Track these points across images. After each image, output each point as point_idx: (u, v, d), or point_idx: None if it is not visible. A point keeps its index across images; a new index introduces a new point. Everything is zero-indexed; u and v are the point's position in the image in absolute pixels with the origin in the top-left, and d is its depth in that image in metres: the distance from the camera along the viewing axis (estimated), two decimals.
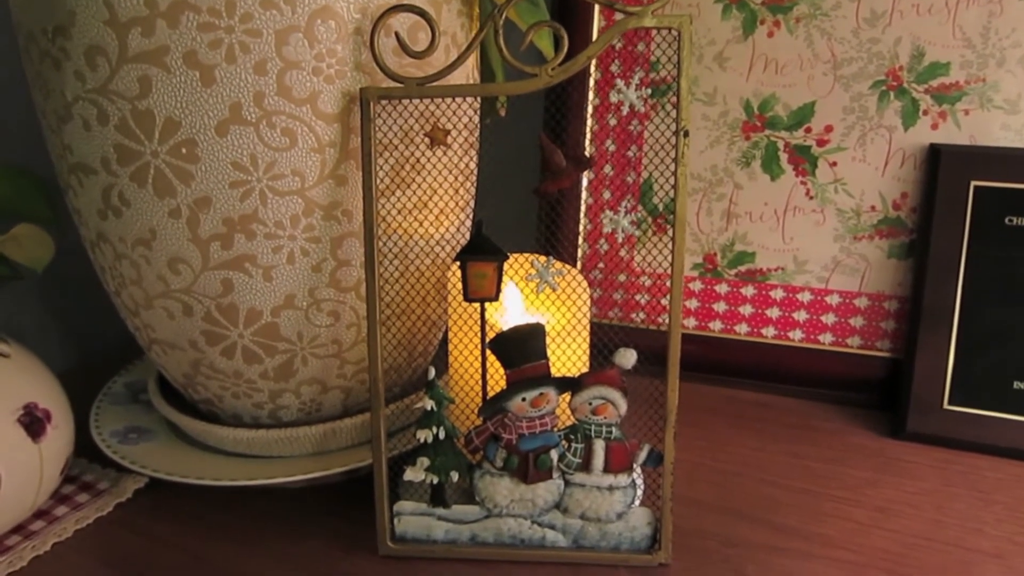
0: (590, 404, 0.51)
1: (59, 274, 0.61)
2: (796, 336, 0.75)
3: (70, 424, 0.62)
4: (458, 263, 0.51)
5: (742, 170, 0.76)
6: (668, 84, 0.77)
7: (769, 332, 0.76)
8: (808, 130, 0.74)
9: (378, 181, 0.52)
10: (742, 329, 0.78)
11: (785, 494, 0.61)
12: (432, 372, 0.52)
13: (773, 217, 0.75)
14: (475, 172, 0.63)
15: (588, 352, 0.54)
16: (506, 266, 0.51)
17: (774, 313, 0.76)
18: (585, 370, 0.53)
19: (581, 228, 0.79)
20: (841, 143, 0.73)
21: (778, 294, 0.76)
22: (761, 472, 0.64)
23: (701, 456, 0.66)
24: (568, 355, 0.52)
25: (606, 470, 0.52)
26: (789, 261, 0.75)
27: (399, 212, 0.54)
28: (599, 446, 0.51)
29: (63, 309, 0.87)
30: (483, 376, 0.52)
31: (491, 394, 0.52)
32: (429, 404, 0.52)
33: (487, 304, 0.51)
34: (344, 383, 0.60)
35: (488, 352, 0.51)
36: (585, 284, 0.54)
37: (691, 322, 0.79)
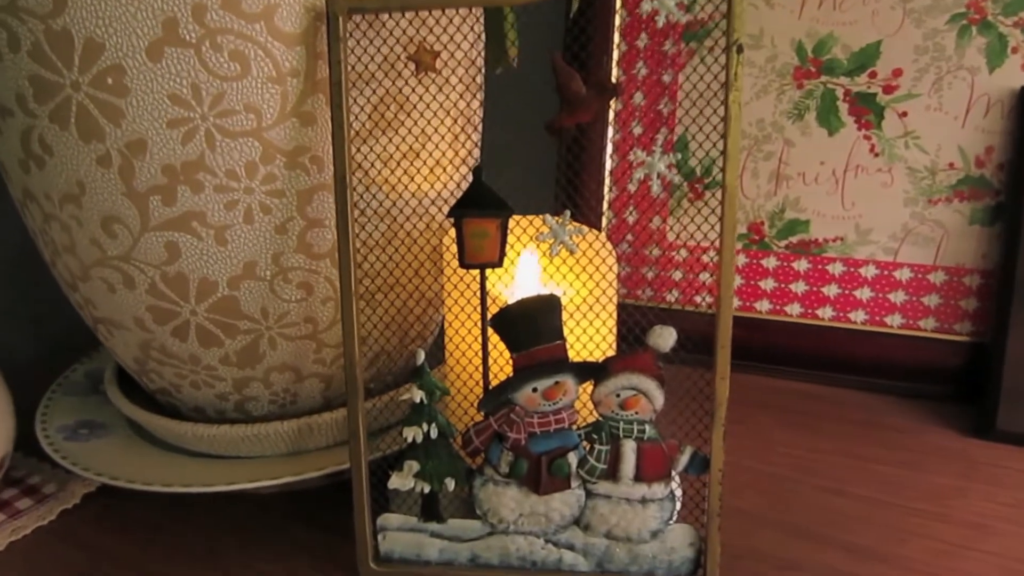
0: (618, 396, 0.41)
1: (28, 251, 0.52)
2: (858, 318, 0.64)
3: (7, 419, 0.53)
4: (452, 220, 0.41)
5: (794, 124, 0.65)
6: (704, 26, 0.66)
7: (826, 313, 0.65)
8: (873, 75, 0.63)
9: (353, 120, 0.42)
10: (794, 310, 0.67)
11: (853, 506, 0.50)
12: (421, 356, 0.42)
13: (831, 179, 0.65)
14: (478, 119, 0.52)
15: (615, 332, 0.44)
16: (514, 226, 0.41)
17: (832, 291, 0.66)
18: (612, 354, 0.42)
19: (607, 182, 0.68)
20: (912, 89, 0.62)
21: (837, 269, 0.65)
22: (821, 478, 0.53)
23: (750, 458, 0.56)
24: (590, 335, 0.42)
25: (638, 478, 0.42)
26: (850, 230, 0.64)
27: (382, 161, 0.44)
28: (629, 448, 0.41)
29: (30, 291, 0.78)
30: (484, 361, 0.42)
31: (494, 383, 0.42)
32: (418, 396, 0.42)
33: (489, 272, 0.41)
34: (323, 370, 0.50)
35: (491, 332, 0.41)
36: (610, 247, 0.44)
37: (734, 302, 0.69)
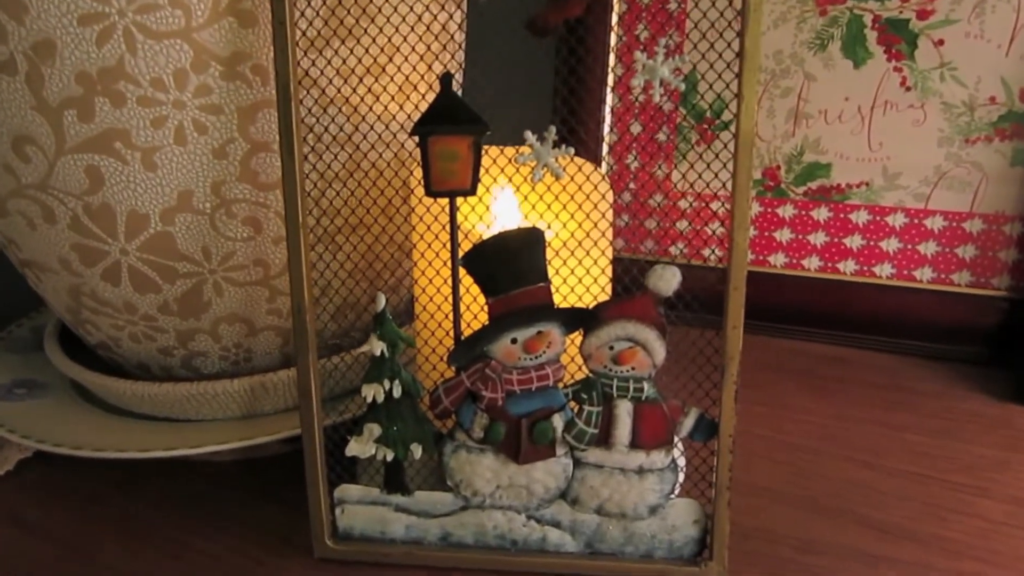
0: (611, 349, 0.35)
1: None
2: (884, 272, 0.58)
3: None
4: (416, 139, 0.34)
5: (815, 55, 0.59)
6: None
7: (848, 267, 0.59)
8: None
9: (301, 20, 0.35)
10: (812, 263, 0.61)
11: (882, 479, 0.44)
12: (382, 300, 0.36)
13: (856, 116, 0.58)
14: (461, 35, 0.46)
15: (609, 275, 0.37)
16: (497, 156, 0.35)
17: (855, 242, 0.59)
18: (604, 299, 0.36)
19: (607, 116, 0.61)
20: (950, 14, 0.55)
21: (861, 218, 0.59)
22: (845, 448, 0.47)
23: (763, 427, 0.50)
24: (579, 278, 0.36)
25: (634, 445, 0.36)
26: (876, 174, 0.58)
27: (342, 77, 0.38)
28: (624, 410, 0.35)
29: None
30: (455, 307, 0.36)
31: (467, 333, 0.35)
32: (378, 347, 0.36)
33: (461, 203, 0.35)
34: (279, 323, 0.44)
35: (463, 273, 0.35)
36: (602, 174, 0.38)
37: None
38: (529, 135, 0.34)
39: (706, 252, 0.62)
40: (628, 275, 0.35)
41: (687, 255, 0.62)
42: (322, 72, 0.37)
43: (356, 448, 0.38)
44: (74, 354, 0.50)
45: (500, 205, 0.37)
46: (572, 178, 0.35)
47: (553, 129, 0.33)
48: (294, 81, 0.34)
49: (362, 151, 0.40)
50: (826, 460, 0.46)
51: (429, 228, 0.36)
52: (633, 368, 0.35)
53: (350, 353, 0.43)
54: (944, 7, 0.55)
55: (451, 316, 0.36)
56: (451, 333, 0.36)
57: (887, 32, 0.57)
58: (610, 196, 0.37)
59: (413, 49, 0.39)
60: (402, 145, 0.42)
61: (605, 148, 0.64)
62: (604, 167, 0.64)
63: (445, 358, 0.36)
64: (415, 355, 0.39)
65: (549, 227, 0.35)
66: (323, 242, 0.41)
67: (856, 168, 0.59)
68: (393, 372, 0.36)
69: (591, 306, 0.35)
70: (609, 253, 0.37)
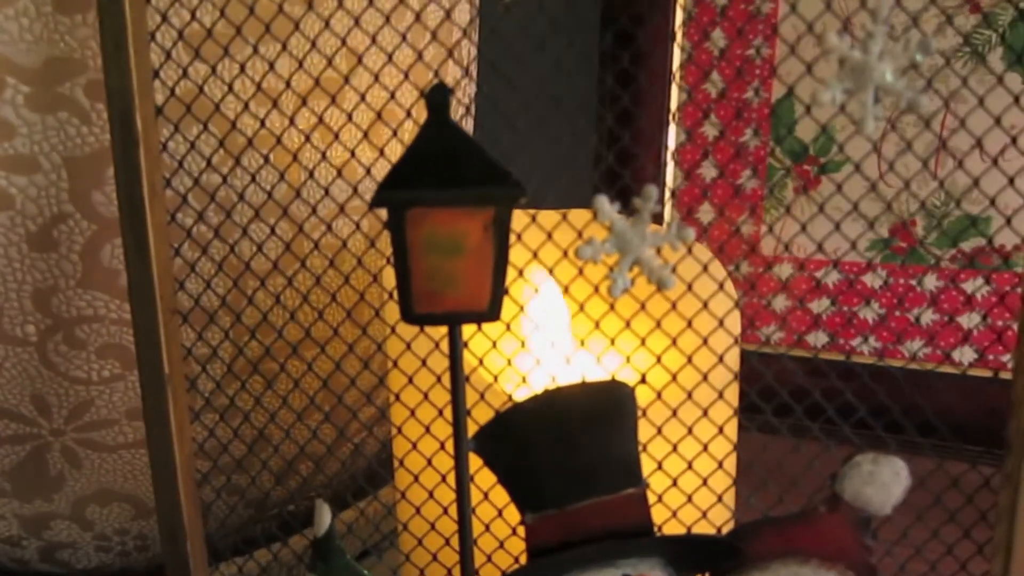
0: None
1: None
2: None
3: None
4: (386, 212, 0.17)
5: (966, 67, 0.42)
6: None
7: None
8: None
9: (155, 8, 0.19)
10: (965, 356, 0.44)
11: None
12: (326, 517, 0.19)
13: None
14: (470, 42, 0.29)
15: (735, 457, 0.20)
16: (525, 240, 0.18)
17: None
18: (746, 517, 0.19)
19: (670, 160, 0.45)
20: None
21: None
22: None
23: None
24: (697, 478, 0.19)
25: None
26: None
27: (232, 94, 0.21)
28: None
29: None
30: (463, 531, 0.19)
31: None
32: None
33: (468, 332, 0.18)
34: None
35: (477, 462, 0.18)
36: (721, 268, 0.21)
37: (865, 344, 0.46)
38: (605, 204, 0.17)
39: (810, 339, 0.45)
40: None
41: (784, 342, 0.45)
42: (231, 90, 0.21)
43: None
44: None
45: (547, 334, 0.20)
46: (690, 287, 0.18)
47: (653, 192, 0.17)
48: (145, 107, 0.17)
49: (307, 235, 0.24)
50: None
51: (411, 380, 0.19)
52: None
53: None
54: None
55: (455, 542, 0.19)
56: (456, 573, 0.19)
57: None
58: (738, 314, 0.20)
59: (404, 40, 0.22)
60: (356, 226, 0.24)
61: (667, 197, 0.47)
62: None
63: None
64: None
65: (644, 379, 0.18)
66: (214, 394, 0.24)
67: None
68: None
69: (726, 530, 0.18)
70: (736, 425, 0.20)
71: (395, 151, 0.23)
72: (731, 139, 0.47)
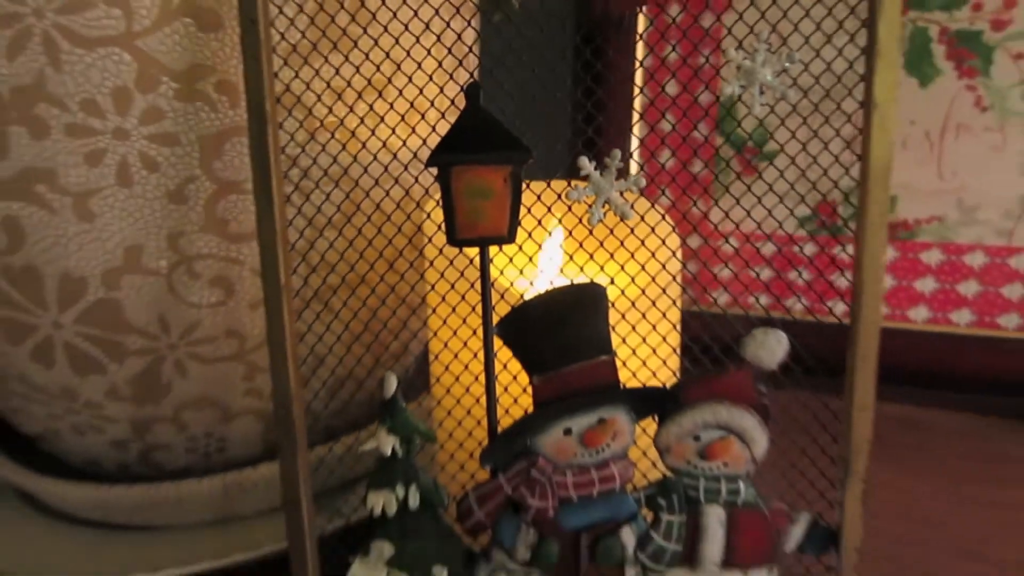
0: (697, 440, 0.26)
1: None
2: (962, 319, 0.50)
3: None
4: (436, 171, 0.26)
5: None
6: None
7: (920, 314, 0.51)
8: (977, 7, 0.49)
9: (276, 19, 0.28)
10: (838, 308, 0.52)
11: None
12: (392, 383, 0.27)
13: (924, 143, 0.51)
14: (475, 45, 0.38)
15: (680, 345, 0.29)
16: (533, 188, 0.27)
17: (927, 286, 0.51)
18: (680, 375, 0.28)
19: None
20: None
21: (933, 258, 0.51)
22: (958, 538, 0.39)
23: None
24: (653, 347, 0.27)
25: (728, 562, 0.27)
26: (950, 208, 0.50)
27: (329, 91, 0.30)
28: (715, 518, 0.27)
29: None
30: (489, 390, 0.27)
31: (505, 424, 0.27)
32: (389, 445, 0.27)
33: (494, 251, 0.27)
34: (259, 405, 0.36)
35: (498, 344, 0.27)
36: (662, 213, 0.30)
37: (796, 304, 0.54)
38: (585, 163, 0.25)
39: (752, 299, 0.54)
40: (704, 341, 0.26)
41: (728, 303, 0.54)
42: (308, 87, 0.29)
43: (361, 573, 0.29)
44: (14, 443, 0.41)
45: (547, 254, 0.29)
46: (643, 218, 0.26)
47: (618, 154, 0.25)
48: (271, 99, 0.26)
49: (362, 188, 0.32)
50: (935, 554, 0.38)
51: (453, 286, 0.27)
52: (726, 464, 0.26)
53: (347, 439, 0.35)
54: (1023, 17, 0.48)
55: (483, 400, 0.27)
56: (483, 423, 0.28)
57: (956, 46, 0.50)
58: (678, 244, 0.29)
59: (429, 53, 0.31)
60: (416, 179, 0.33)
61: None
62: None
63: (476, 456, 0.27)
64: (436, 452, 0.30)
65: (612, 281, 0.27)
66: (312, 307, 0.32)
67: (925, 201, 0.52)
68: (408, 476, 0.28)
69: (669, 385, 0.27)
70: (678, 318, 0.29)
71: (423, 131, 0.32)
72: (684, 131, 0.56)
